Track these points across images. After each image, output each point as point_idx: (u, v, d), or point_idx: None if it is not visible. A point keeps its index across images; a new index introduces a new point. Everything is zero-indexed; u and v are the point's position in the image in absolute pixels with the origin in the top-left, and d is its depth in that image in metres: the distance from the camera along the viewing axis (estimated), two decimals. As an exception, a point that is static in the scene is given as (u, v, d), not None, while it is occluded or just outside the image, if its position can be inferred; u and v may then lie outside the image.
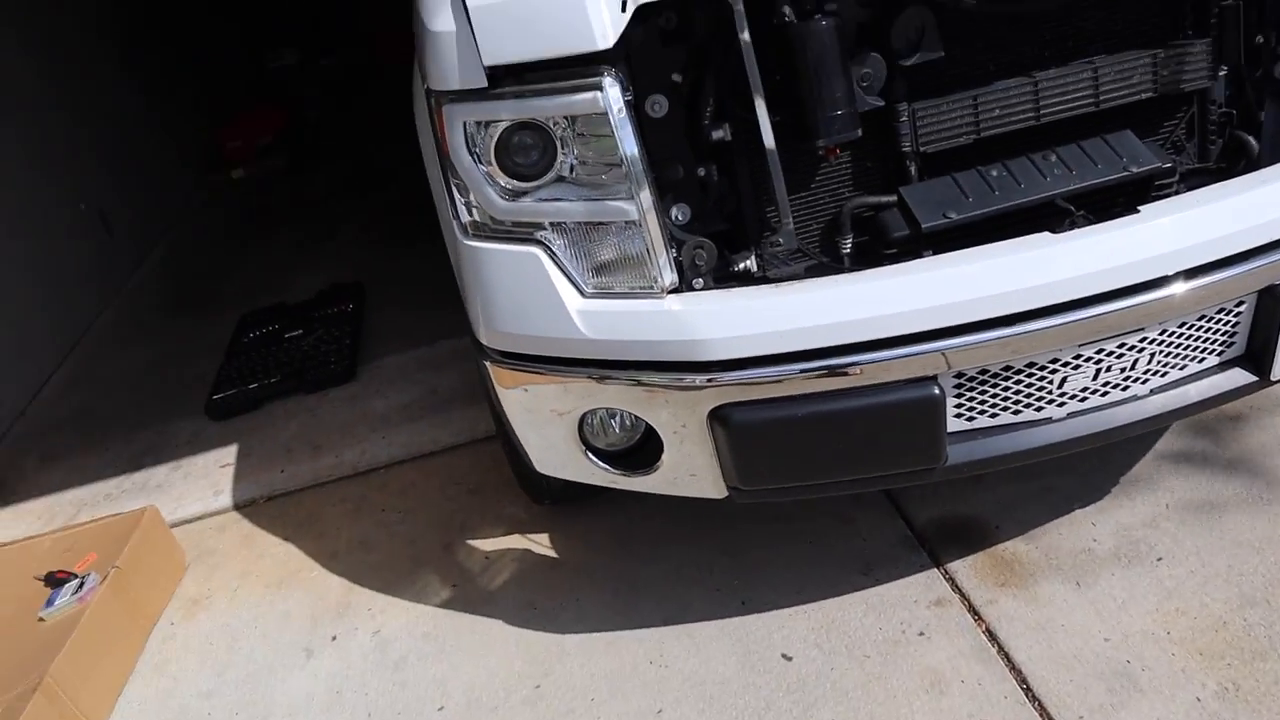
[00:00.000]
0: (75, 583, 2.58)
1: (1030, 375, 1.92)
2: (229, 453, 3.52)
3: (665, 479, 2.07)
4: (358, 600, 2.68)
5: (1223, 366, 2.03)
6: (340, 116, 8.34)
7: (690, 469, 2.02)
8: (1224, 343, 2.00)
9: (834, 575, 2.44)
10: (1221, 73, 2.15)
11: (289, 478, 3.27)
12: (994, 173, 2.03)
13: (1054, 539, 2.43)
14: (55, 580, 2.60)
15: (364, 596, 2.69)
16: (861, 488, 2.04)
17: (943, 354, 1.82)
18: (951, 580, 2.38)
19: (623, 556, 2.64)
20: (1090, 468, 2.62)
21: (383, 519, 3.00)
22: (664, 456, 2.02)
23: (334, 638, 2.57)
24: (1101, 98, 2.09)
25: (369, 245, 5.46)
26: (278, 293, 4.84)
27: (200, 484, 3.35)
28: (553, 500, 2.79)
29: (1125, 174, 2.01)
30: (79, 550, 2.74)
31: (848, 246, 2.07)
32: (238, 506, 3.22)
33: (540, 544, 2.75)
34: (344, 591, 2.73)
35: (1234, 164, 2.17)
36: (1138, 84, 2.10)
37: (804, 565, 2.49)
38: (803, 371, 1.83)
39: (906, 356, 1.81)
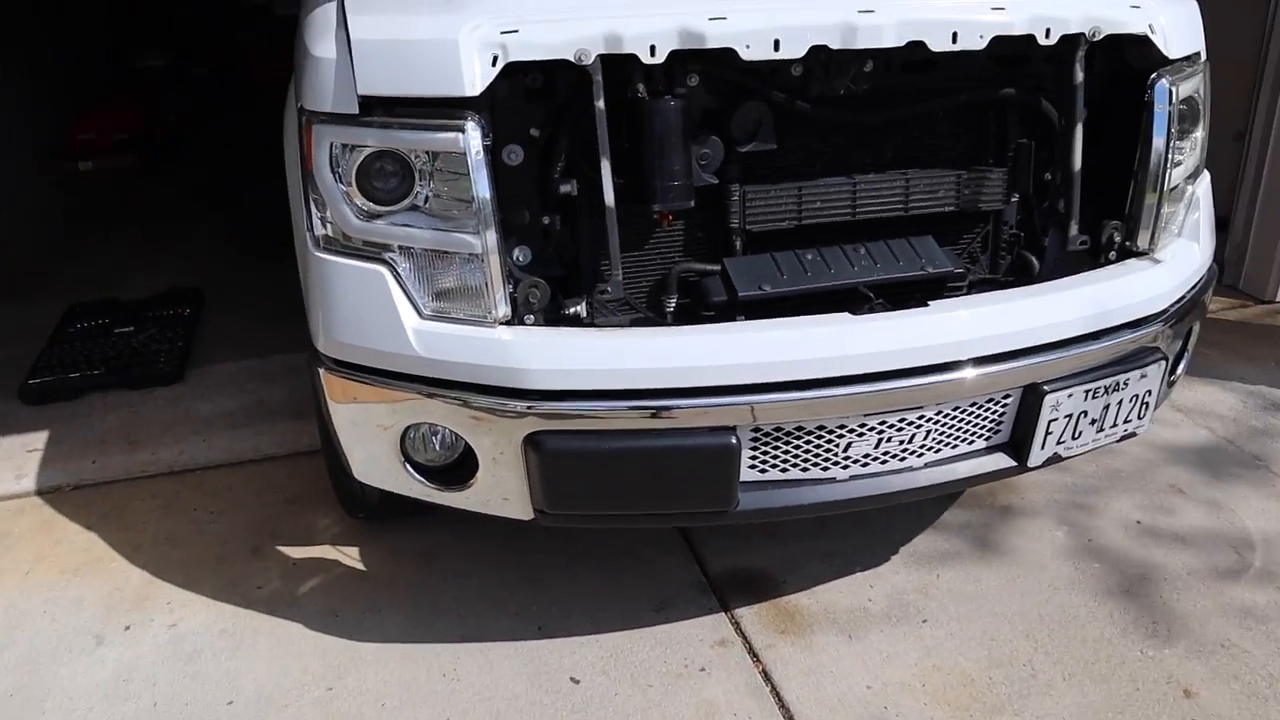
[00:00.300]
0: None
1: (819, 437, 2.13)
2: (38, 438, 3.43)
3: (478, 497, 2.19)
4: (157, 593, 2.67)
5: (989, 450, 2.29)
6: (206, 125, 8.23)
7: (502, 490, 2.15)
8: (992, 429, 2.27)
9: (628, 610, 2.60)
10: (1013, 199, 2.46)
11: (99, 469, 3.22)
12: (809, 256, 2.27)
13: (834, 596, 2.65)
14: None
15: (164, 590, 2.68)
16: (659, 523, 2.22)
17: (742, 409, 2.01)
18: (736, 624, 2.56)
19: (429, 574, 2.73)
20: (875, 535, 2.87)
21: (193, 517, 2.99)
22: (479, 475, 2.15)
23: (127, 627, 2.56)
24: (910, 205, 2.37)
25: (215, 254, 5.40)
26: (113, 288, 4.73)
27: (2, 465, 3.26)
28: (367, 515, 2.85)
29: (922, 273, 2.28)
30: None
31: (672, 305, 2.27)
32: (40, 492, 3.14)
33: (349, 556, 2.81)
34: (143, 583, 2.71)
35: (1019, 279, 2.47)
36: (942, 198, 2.39)
37: (602, 598, 2.63)
38: (612, 409, 2.00)
39: (707, 406, 2.00)
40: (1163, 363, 2.32)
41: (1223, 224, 4.41)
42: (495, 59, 1.95)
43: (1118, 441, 2.39)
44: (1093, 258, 2.43)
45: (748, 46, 1.98)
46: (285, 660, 2.44)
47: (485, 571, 2.74)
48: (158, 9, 8.57)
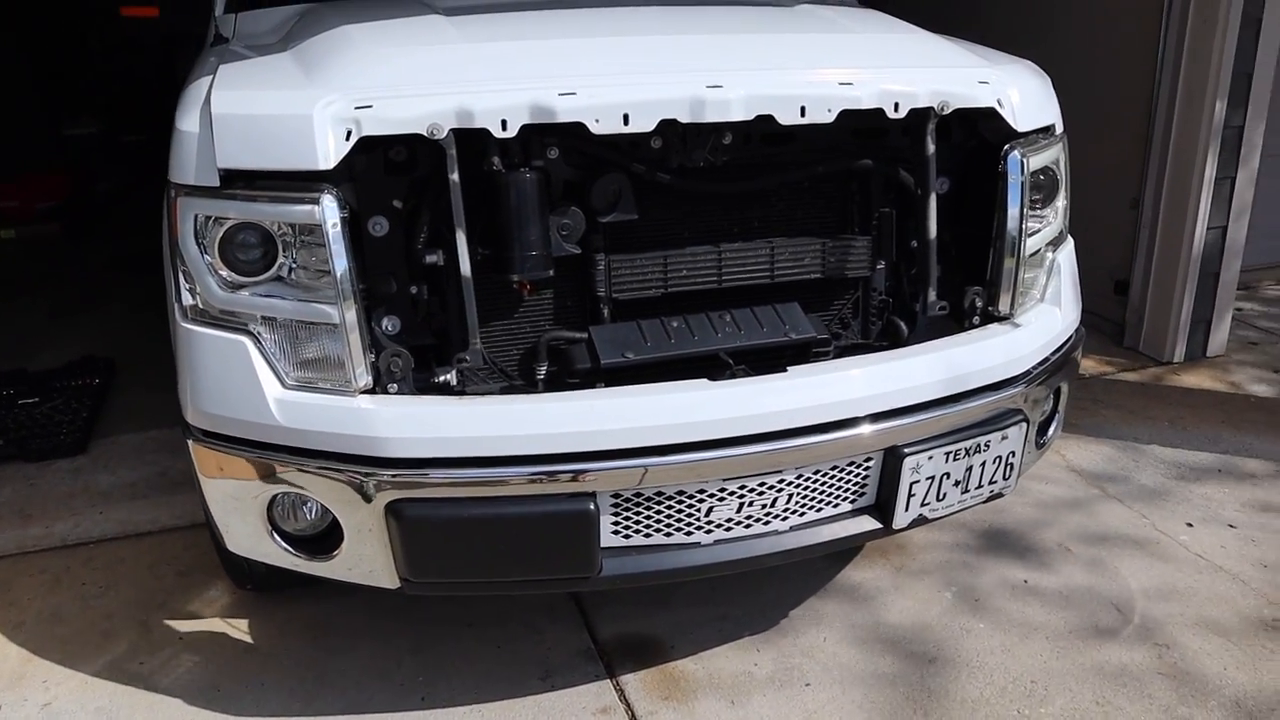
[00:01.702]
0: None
1: (681, 502, 2.16)
2: (-73, 511, 3.39)
3: (344, 566, 2.19)
4: (34, 671, 2.63)
5: (855, 513, 2.32)
6: (137, 195, 8.23)
7: (367, 558, 2.15)
8: (856, 492, 2.31)
9: (514, 678, 2.58)
10: (879, 266, 2.53)
11: (-10, 543, 3.18)
12: (674, 324, 2.32)
13: (720, 660, 2.66)
14: None
15: (42, 668, 2.64)
16: (523, 589, 2.22)
17: (597, 475, 2.04)
18: (620, 691, 2.55)
19: (316, 646, 2.71)
20: (767, 599, 2.88)
21: (82, 592, 2.95)
22: (344, 544, 2.15)
23: (-2, 707, 2.51)
24: (776, 272, 2.43)
25: (134, 324, 5.38)
26: (22, 359, 4.70)
27: (-113, 540, 3.21)
28: (255, 586, 2.83)
29: (785, 339, 2.33)
30: None
31: (542, 373, 2.30)
32: (-75, 566, 3.10)
33: (237, 628, 2.78)
34: (21, 661, 2.67)
35: (890, 343, 2.53)
36: (808, 265, 2.45)
37: (488, 667, 2.62)
38: (466, 477, 2.01)
39: (561, 473, 2.02)
40: (1024, 424, 2.38)
41: (1122, 288, 4.54)
42: (349, 133, 1.99)
43: (985, 502, 2.43)
44: (958, 323, 2.49)
45: (597, 121, 2.04)
46: (157, 738, 2.41)
47: (373, 643, 2.72)
48: (90, 76, 8.58)
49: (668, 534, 2.19)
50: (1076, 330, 2.65)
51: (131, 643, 2.74)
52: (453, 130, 2.02)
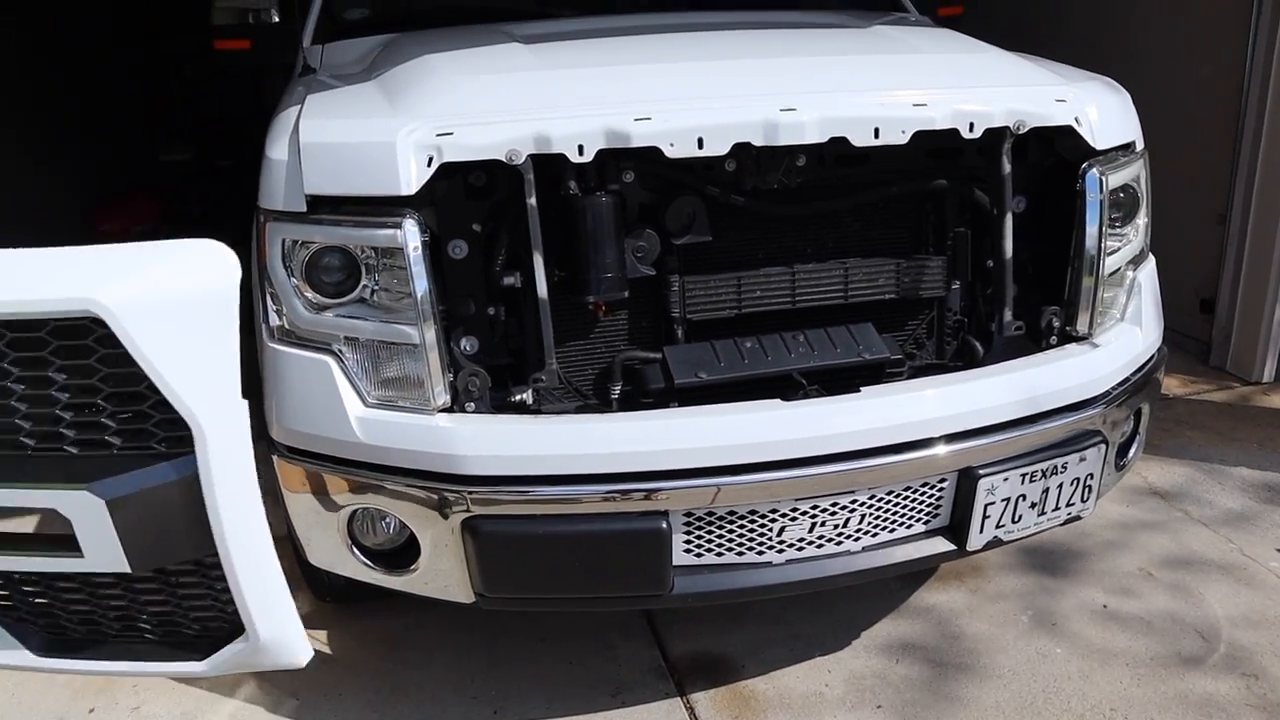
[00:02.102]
0: None
1: (753, 522, 2.17)
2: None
3: (421, 580, 2.24)
4: (121, 681, 2.72)
5: (928, 534, 2.31)
6: (229, 218, 8.50)
7: (443, 573, 2.19)
8: (930, 513, 2.29)
9: (584, 694, 2.61)
10: (954, 286, 2.51)
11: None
12: (748, 344, 2.33)
13: (791, 680, 2.65)
14: None
15: (128, 678, 2.74)
16: (596, 606, 2.25)
17: (670, 494, 2.06)
18: (691, 709, 2.56)
19: (392, 659, 2.77)
20: (839, 619, 2.87)
21: (171, 601, 3.06)
22: (421, 559, 2.20)
23: (92, 710, 2.61)
24: (850, 293, 2.43)
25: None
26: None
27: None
28: (335, 599, 2.90)
29: (858, 359, 2.33)
30: None
31: (617, 392, 2.33)
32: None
33: (317, 639, 2.85)
34: (114, 667, 2.77)
35: (965, 363, 2.51)
36: (882, 286, 2.45)
37: (559, 683, 2.65)
38: (543, 494, 2.05)
39: (636, 491, 2.05)
40: (1103, 446, 2.34)
41: (1208, 305, 4.44)
42: (430, 160, 2.05)
43: (1061, 525, 2.40)
44: (1035, 343, 2.46)
45: (672, 145, 2.07)
46: (242, 743, 2.49)
47: (449, 656, 2.77)
48: (183, 104, 8.90)
49: (739, 553, 2.20)
50: (1158, 350, 2.60)
51: (218, 651, 2.82)
52: (531, 156, 2.07)
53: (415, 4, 3.55)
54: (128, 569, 1.31)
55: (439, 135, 2.06)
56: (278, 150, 2.18)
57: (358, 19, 3.33)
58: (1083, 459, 2.31)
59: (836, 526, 2.21)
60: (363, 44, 3.06)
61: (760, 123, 2.10)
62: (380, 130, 2.09)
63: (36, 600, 1.45)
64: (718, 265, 2.36)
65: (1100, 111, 2.37)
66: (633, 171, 2.22)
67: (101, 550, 1.31)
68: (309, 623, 2.87)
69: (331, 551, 2.32)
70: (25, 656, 1.44)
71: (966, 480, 2.23)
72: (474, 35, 2.75)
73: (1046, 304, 2.45)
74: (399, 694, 2.64)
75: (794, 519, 2.17)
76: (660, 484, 2.06)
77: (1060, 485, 2.32)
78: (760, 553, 2.20)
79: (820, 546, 2.23)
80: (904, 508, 2.25)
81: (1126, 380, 2.43)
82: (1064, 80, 2.45)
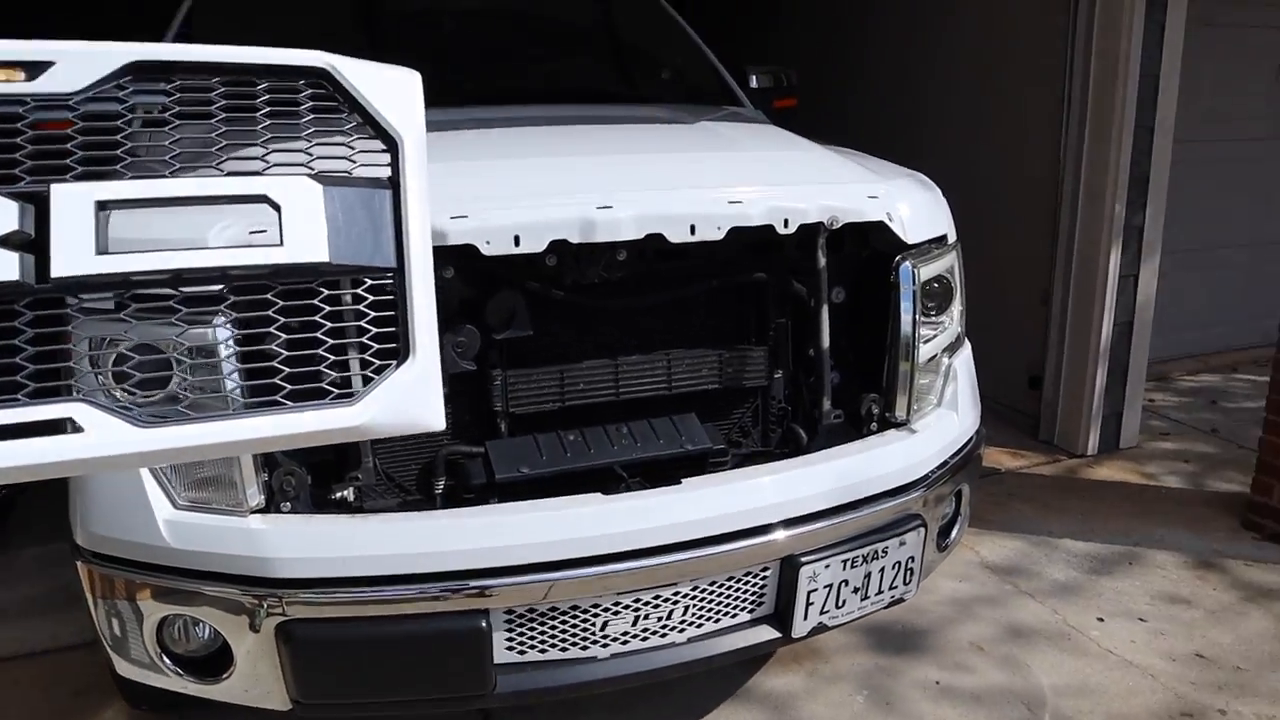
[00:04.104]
0: None
1: (575, 617, 2.15)
2: None
3: (235, 689, 2.15)
4: (-84, 802, 2.54)
5: (754, 623, 2.33)
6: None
7: (258, 680, 2.11)
8: (754, 602, 2.31)
9: (416, 799, 2.54)
10: (777, 375, 2.58)
11: (-120, 660, 3.08)
12: (570, 437, 2.33)
13: (629, 775, 2.63)
14: None
15: (-76, 798, 2.55)
16: (418, 710, 2.19)
17: (486, 592, 2.03)
18: (526, 809, 2.51)
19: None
20: (677, 708, 2.85)
21: (-27, 715, 2.86)
22: (235, 666, 2.11)
23: None
24: (674, 384, 2.47)
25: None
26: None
27: None
28: (150, 707, 2.75)
29: (680, 450, 2.35)
30: None
31: (440, 487, 2.30)
32: None
33: (132, 752, 2.71)
34: (-97, 792, 2.57)
35: (790, 451, 2.56)
36: (705, 376, 2.50)
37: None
38: (354, 596, 2.00)
39: (449, 591, 2.01)
40: (922, 529, 2.41)
41: (1035, 382, 4.65)
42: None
43: (886, 607, 2.45)
44: (857, 430, 2.54)
45: (488, 242, 2.08)
46: None
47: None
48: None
49: (563, 649, 2.18)
50: (976, 432, 2.70)
51: (22, 769, 2.65)
52: (346, 252, 2.05)
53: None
54: (326, 258, 1.28)
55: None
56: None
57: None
58: (903, 543, 2.38)
59: (660, 619, 2.21)
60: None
61: (577, 220, 2.13)
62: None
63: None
64: (540, 359, 2.37)
65: (912, 207, 2.48)
66: (452, 268, 2.22)
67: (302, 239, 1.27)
68: (124, 733, 2.75)
69: (140, 662, 2.21)
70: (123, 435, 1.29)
71: (789, 568, 2.26)
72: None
73: (866, 391, 2.53)
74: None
75: (617, 613, 2.17)
76: (475, 582, 2.03)
77: (882, 569, 2.38)
78: (584, 648, 2.19)
79: (645, 640, 2.22)
80: (728, 597, 2.27)
81: (945, 464, 2.51)
82: (878, 177, 2.56)
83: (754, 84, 3.77)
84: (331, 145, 1.32)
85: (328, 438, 1.31)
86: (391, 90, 1.33)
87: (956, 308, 2.68)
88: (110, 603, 2.18)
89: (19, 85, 1.21)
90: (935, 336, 2.59)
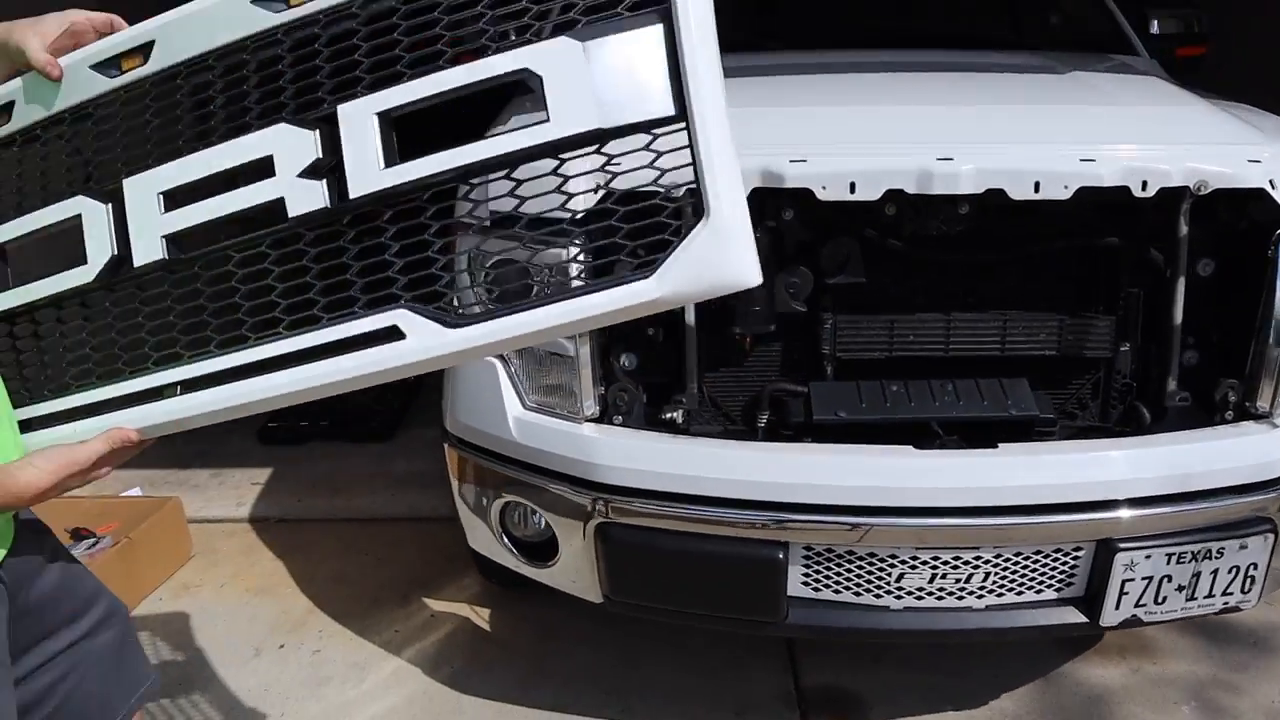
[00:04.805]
0: (92, 540, 3.07)
1: (871, 564, 2.19)
2: (263, 474, 4.01)
3: (558, 576, 2.41)
4: (314, 621, 3.07)
5: (1060, 603, 2.25)
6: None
7: (577, 572, 2.35)
8: (1064, 581, 2.23)
9: (710, 707, 2.70)
10: (1124, 348, 2.41)
11: (304, 507, 3.73)
12: (894, 388, 2.34)
13: (918, 730, 2.64)
14: (79, 535, 3.10)
15: (320, 619, 3.08)
16: (714, 624, 2.34)
17: (785, 526, 2.12)
18: (810, 741, 2.61)
19: (543, 643, 2.96)
20: (982, 678, 2.80)
21: (363, 561, 3.40)
22: (559, 556, 2.37)
23: (281, 646, 2.96)
24: (1007, 346, 2.39)
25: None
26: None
27: (229, 493, 3.85)
28: (498, 581, 3.13)
29: (1003, 414, 2.29)
30: (106, 517, 3.24)
31: (763, 421, 2.41)
32: (252, 520, 3.68)
33: (480, 616, 3.09)
34: (306, 611, 3.12)
35: (1132, 430, 2.41)
36: (1042, 341, 2.40)
37: (690, 692, 2.75)
38: (668, 510, 2.17)
39: (751, 520, 2.13)
40: (1271, 536, 2.19)
41: None
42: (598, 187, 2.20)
43: (1219, 613, 2.27)
44: (1210, 416, 2.34)
45: (824, 188, 2.13)
46: (395, 699, 2.75)
47: (591, 649, 2.93)
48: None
49: (856, 593, 2.23)
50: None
51: (392, 612, 3.12)
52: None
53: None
54: (597, 123, 1.23)
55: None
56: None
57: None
58: (1244, 546, 2.18)
59: (958, 580, 2.20)
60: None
61: (914, 171, 2.12)
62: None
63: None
64: (871, 307, 2.39)
65: (1303, 176, 2.21)
66: (792, 210, 2.29)
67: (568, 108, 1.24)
68: (474, 600, 3.15)
69: (487, 538, 2.53)
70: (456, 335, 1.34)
71: (1104, 552, 2.16)
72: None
73: (1227, 376, 2.32)
74: (543, 676, 2.83)
75: (914, 567, 2.18)
76: (774, 514, 2.13)
77: (1215, 571, 2.19)
78: (878, 596, 2.23)
79: (940, 599, 2.22)
80: (1034, 572, 2.21)
81: (1312, 467, 2.26)
82: (1268, 139, 2.30)
83: (1155, 29, 3.48)
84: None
85: (628, 314, 1.28)
86: None
87: (1361, 295, 2.36)
88: (467, 485, 2.51)
89: (308, 6, 1.30)
90: (1317, 324, 2.30)
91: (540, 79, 1.24)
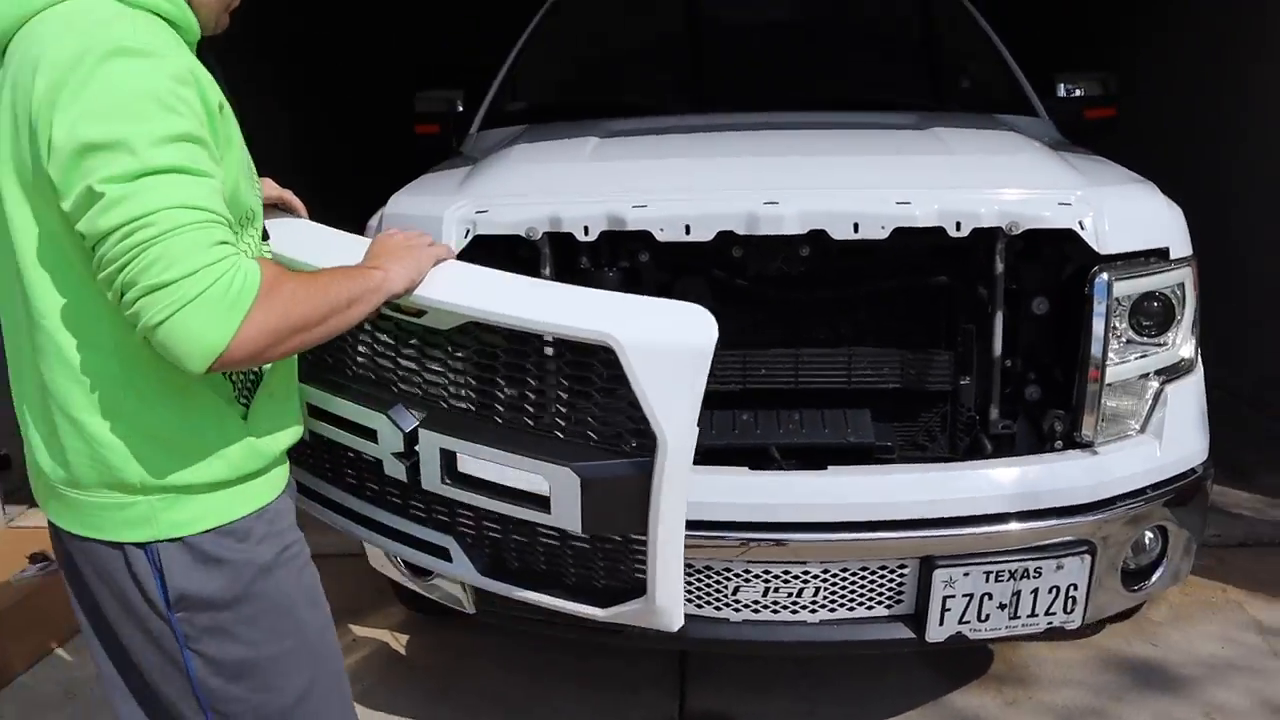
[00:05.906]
0: (47, 564, 3.31)
1: (709, 578, 2.35)
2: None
3: (438, 589, 2.58)
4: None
5: (889, 619, 2.38)
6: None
7: (451, 584, 2.52)
8: (892, 598, 2.36)
9: (596, 723, 2.85)
10: (964, 381, 2.56)
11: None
12: (744, 417, 2.53)
13: (792, 754, 2.75)
14: (36, 558, 3.34)
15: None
16: (574, 632, 2.45)
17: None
18: (683, 762, 2.73)
19: (456, 664, 3.13)
20: (863, 707, 2.90)
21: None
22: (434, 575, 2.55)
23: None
24: (854, 380, 2.56)
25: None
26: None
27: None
28: (422, 610, 3.19)
29: (841, 441, 2.45)
30: (60, 543, 3.48)
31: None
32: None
33: (399, 641, 3.28)
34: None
35: (975, 459, 2.54)
36: (886, 375, 2.57)
37: (582, 711, 2.91)
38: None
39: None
40: (1088, 558, 2.30)
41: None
42: (468, 232, 2.43)
43: (1044, 633, 2.38)
44: (1039, 445, 2.47)
45: (661, 230, 2.33)
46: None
47: (503, 671, 3.09)
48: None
49: (699, 605, 2.38)
50: (1198, 468, 2.49)
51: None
52: (546, 233, 2.40)
53: (562, 99, 4.02)
54: (579, 530, 1.73)
55: (477, 212, 2.44)
56: (374, 219, 2.66)
57: (515, 110, 3.82)
58: (1060, 566, 2.30)
59: (790, 595, 2.34)
60: (506, 132, 3.53)
61: (742, 214, 2.32)
62: (437, 205, 2.49)
63: (492, 535, 1.92)
64: (724, 343, 2.56)
65: (1116, 216, 2.35)
66: (648, 252, 2.50)
67: (565, 513, 1.71)
68: (398, 627, 3.34)
69: (380, 558, 2.73)
70: (472, 573, 1.95)
71: (926, 569, 2.29)
72: (571, 129, 3.13)
73: (1055, 408, 2.46)
74: (446, 695, 3.00)
75: (747, 580, 2.33)
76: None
77: (1035, 591, 2.31)
78: (718, 608, 2.38)
79: (775, 612, 2.36)
80: (863, 588, 2.35)
81: (1134, 493, 2.37)
82: (1084, 183, 2.46)
83: (1060, 93, 3.66)
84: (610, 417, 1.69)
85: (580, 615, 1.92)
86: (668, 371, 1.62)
87: (1183, 330, 2.49)
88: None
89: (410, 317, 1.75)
90: (1143, 358, 2.44)
91: (549, 488, 1.74)
